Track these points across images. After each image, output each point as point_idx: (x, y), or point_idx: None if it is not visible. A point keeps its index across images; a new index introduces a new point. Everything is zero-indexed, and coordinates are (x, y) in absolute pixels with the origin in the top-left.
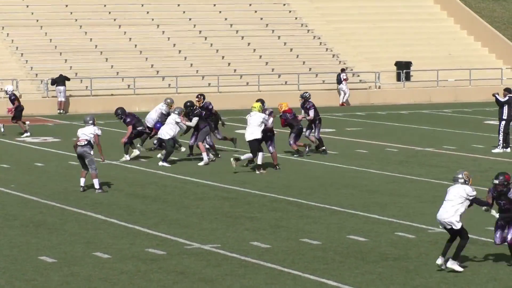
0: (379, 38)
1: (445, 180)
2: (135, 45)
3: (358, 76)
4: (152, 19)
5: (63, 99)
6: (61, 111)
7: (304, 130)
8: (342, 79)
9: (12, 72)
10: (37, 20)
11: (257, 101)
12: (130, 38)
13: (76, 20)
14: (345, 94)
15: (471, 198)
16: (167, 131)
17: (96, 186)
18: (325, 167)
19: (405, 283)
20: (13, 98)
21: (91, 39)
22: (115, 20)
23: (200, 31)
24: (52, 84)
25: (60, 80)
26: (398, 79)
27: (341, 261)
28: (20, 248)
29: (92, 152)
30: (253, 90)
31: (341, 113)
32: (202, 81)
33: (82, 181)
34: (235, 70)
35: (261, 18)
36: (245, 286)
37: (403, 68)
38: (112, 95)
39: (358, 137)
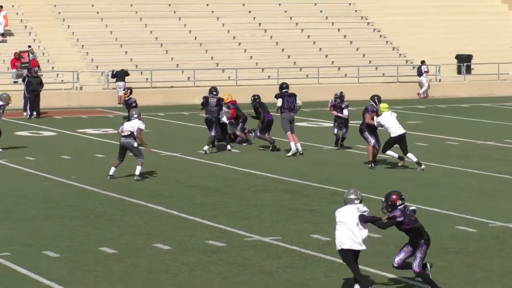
0: (439, 31)
1: (507, 174)
2: (195, 37)
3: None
4: (212, 12)
5: (122, 94)
6: (121, 105)
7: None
8: (423, 71)
9: (73, 64)
10: (98, 12)
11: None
12: (190, 31)
13: (136, 12)
14: (423, 86)
15: (360, 213)
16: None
17: (137, 173)
18: (385, 160)
19: (466, 277)
20: None
21: (151, 31)
22: (175, 12)
23: (259, 24)
24: (113, 77)
25: (120, 75)
26: (459, 72)
27: None
28: (81, 239)
29: (135, 144)
30: (313, 83)
31: (401, 106)
32: (262, 74)
33: (112, 170)
34: (294, 63)
35: (321, 11)
36: (305, 278)
37: (464, 61)
38: (172, 87)
39: (418, 130)
